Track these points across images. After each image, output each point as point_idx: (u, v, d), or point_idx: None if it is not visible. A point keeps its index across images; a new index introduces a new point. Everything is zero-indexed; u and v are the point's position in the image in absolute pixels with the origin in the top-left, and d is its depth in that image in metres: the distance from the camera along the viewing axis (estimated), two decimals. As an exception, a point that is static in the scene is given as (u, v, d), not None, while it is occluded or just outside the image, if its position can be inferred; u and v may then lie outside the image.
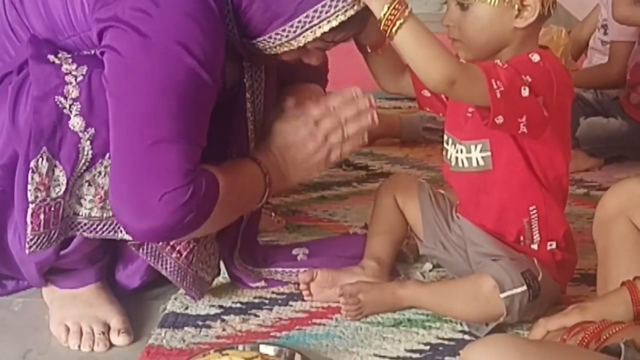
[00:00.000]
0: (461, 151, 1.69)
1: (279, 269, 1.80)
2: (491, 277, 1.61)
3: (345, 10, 1.50)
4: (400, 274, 1.86)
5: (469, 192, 1.74)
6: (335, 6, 1.49)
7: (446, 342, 1.64)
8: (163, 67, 1.43)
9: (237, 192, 1.58)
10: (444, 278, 1.85)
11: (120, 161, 1.47)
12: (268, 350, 1.56)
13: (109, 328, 1.65)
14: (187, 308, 1.74)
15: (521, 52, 1.60)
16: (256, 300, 1.77)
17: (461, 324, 1.68)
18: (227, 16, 1.52)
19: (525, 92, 1.53)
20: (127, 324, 1.67)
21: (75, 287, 1.70)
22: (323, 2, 1.49)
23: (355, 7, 1.50)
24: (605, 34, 2.74)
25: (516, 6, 1.58)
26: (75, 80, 1.51)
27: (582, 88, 2.59)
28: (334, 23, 1.50)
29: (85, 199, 1.55)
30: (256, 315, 1.72)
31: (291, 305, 1.75)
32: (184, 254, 1.63)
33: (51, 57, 1.53)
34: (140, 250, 1.60)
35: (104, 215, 1.56)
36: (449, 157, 1.74)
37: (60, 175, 1.52)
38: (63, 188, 1.52)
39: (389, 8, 1.45)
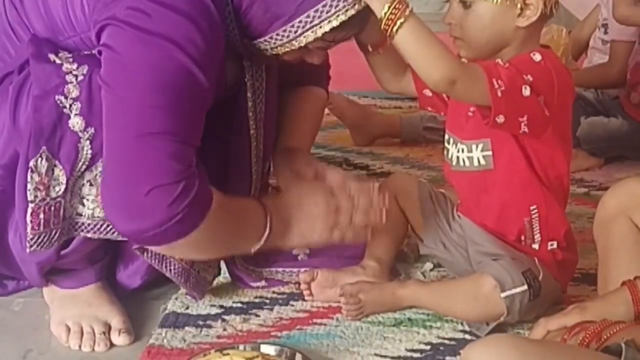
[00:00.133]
0: (462, 150, 1.69)
1: (280, 269, 1.80)
2: (492, 276, 1.61)
3: (346, 10, 1.50)
4: (401, 274, 1.86)
5: (470, 192, 1.74)
6: (336, 6, 1.49)
7: (447, 342, 1.64)
8: (157, 64, 1.43)
9: (232, 217, 1.56)
10: (445, 278, 1.85)
11: (109, 156, 1.47)
12: (269, 350, 1.56)
13: (109, 328, 1.65)
14: (187, 308, 1.74)
15: (523, 51, 1.60)
16: (257, 300, 1.77)
17: (462, 324, 1.68)
18: (227, 17, 1.52)
19: (526, 91, 1.53)
20: (128, 323, 1.67)
21: (75, 287, 1.70)
22: (324, 2, 1.49)
23: (356, 7, 1.50)
24: (605, 33, 2.74)
25: (518, 5, 1.58)
26: (76, 79, 1.51)
27: (583, 87, 2.59)
28: (335, 23, 1.50)
29: (87, 199, 1.55)
30: (257, 315, 1.72)
31: (292, 305, 1.76)
32: (187, 254, 1.63)
33: (52, 57, 1.53)
34: (145, 254, 1.60)
35: None
36: (450, 156, 1.74)
37: (60, 174, 1.52)
38: (63, 187, 1.52)
39: (389, 7, 1.45)
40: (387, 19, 1.46)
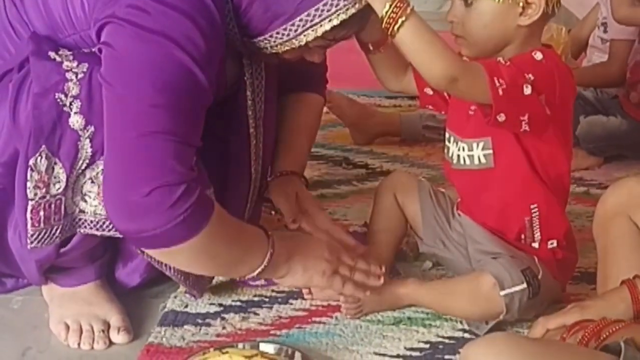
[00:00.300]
0: (463, 149, 1.69)
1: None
2: (491, 274, 1.61)
3: (347, 9, 1.49)
4: (400, 273, 1.86)
5: (470, 190, 1.74)
6: (337, 4, 1.49)
7: (446, 341, 1.65)
8: (157, 62, 1.42)
9: (232, 231, 1.55)
10: (444, 276, 1.85)
11: (110, 155, 1.46)
12: (268, 348, 1.56)
13: (108, 326, 1.65)
14: (187, 306, 1.74)
15: (524, 50, 1.60)
16: (256, 299, 1.77)
17: (461, 323, 1.69)
18: (227, 15, 1.52)
19: (527, 90, 1.53)
20: (127, 322, 1.67)
21: (75, 285, 1.70)
22: (324, 1, 1.48)
23: (357, 5, 1.49)
24: (605, 32, 2.74)
25: (520, 3, 1.58)
26: (76, 77, 1.51)
27: (582, 86, 2.59)
28: (336, 22, 1.50)
29: (89, 197, 1.55)
30: (256, 314, 1.72)
31: (291, 304, 1.75)
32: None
33: (52, 54, 1.53)
34: (145, 253, 1.59)
35: None
36: (450, 154, 1.74)
37: (60, 172, 1.52)
38: (63, 185, 1.52)
39: (390, 6, 1.45)
40: (389, 17, 1.45)
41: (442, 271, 1.87)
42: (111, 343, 1.64)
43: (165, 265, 1.60)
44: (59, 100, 1.50)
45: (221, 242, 1.52)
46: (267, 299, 1.77)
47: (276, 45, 1.55)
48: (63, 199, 1.53)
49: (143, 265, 1.72)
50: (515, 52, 1.60)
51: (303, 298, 1.76)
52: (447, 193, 1.87)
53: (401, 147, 2.64)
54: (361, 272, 1.66)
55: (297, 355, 1.55)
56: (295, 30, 1.52)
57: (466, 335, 1.65)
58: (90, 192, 1.55)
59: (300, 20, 1.50)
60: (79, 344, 1.63)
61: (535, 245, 1.70)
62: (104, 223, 1.57)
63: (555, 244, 1.70)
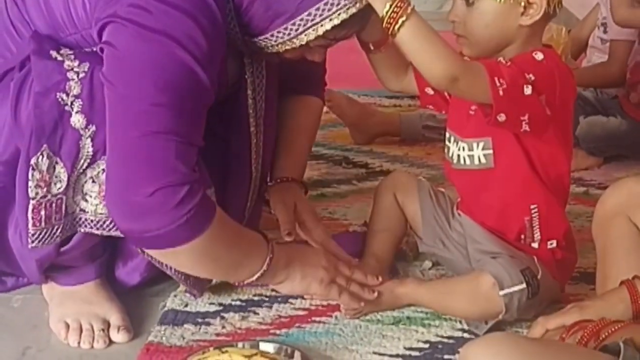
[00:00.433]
0: (463, 149, 1.69)
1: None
2: (490, 274, 1.61)
3: (348, 8, 1.49)
4: (400, 272, 1.86)
5: (470, 190, 1.75)
6: (338, 4, 1.49)
7: (445, 340, 1.65)
8: (158, 61, 1.43)
9: (233, 234, 1.56)
10: (444, 276, 1.85)
11: (113, 154, 1.46)
12: (268, 347, 1.56)
13: (108, 325, 1.65)
14: (186, 305, 1.74)
15: (525, 50, 1.60)
16: (256, 298, 1.77)
17: (460, 322, 1.69)
18: (228, 14, 1.52)
19: (527, 90, 1.54)
20: (127, 321, 1.67)
21: (75, 284, 1.70)
22: (325, 0, 1.49)
23: (358, 5, 1.49)
24: (604, 32, 2.74)
25: (522, 3, 1.58)
26: (77, 76, 1.51)
27: (582, 87, 2.59)
28: (336, 21, 1.50)
29: (90, 196, 1.55)
30: (256, 313, 1.72)
31: (291, 303, 1.75)
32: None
33: (53, 53, 1.53)
34: (145, 252, 1.60)
35: None
36: (450, 154, 1.74)
37: (61, 171, 1.52)
38: (64, 184, 1.52)
39: (391, 6, 1.45)
40: (389, 17, 1.46)
41: (442, 271, 1.87)
42: (111, 342, 1.64)
43: (165, 264, 1.60)
44: (60, 99, 1.50)
45: (222, 244, 1.53)
46: (266, 299, 1.77)
47: (277, 45, 1.55)
48: (64, 198, 1.53)
49: (143, 265, 1.72)
50: (517, 52, 1.61)
51: (303, 297, 1.76)
52: (447, 193, 1.87)
53: (401, 147, 2.64)
54: (357, 283, 1.68)
55: (297, 354, 1.55)
56: (296, 30, 1.52)
57: (465, 335, 1.65)
58: (91, 191, 1.55)
59: (301, 19, 1.50)
60: (79, 343, 1.63)
61: (535, 245, 1.70)
62: (104, 222, 1.57)
63: (554, 244, 1.70)
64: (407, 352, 1.61)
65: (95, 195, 1.55)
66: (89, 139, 1.52)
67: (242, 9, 1.52)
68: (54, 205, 1.52)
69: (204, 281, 1.71)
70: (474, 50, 1.63)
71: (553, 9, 1.60)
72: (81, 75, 1.51)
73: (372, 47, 1.70)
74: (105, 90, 1.47)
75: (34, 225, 1.52)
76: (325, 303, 1.74)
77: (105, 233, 1.59)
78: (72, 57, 1.53)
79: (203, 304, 1.74)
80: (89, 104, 1.51)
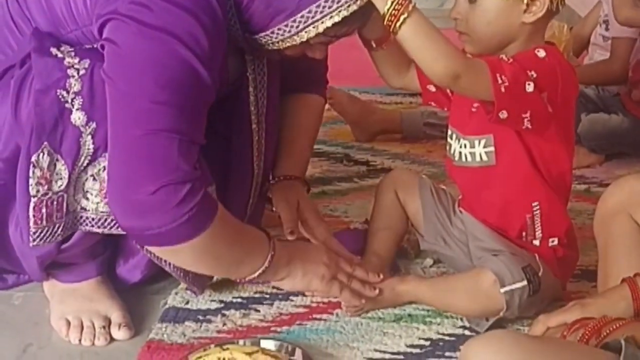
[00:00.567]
0: (465, 146, 1.69)
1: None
2: (491, 271, 1.61)
3: (348, 6, 1.49)
4: (401, 270, 1.86)
5: (471, 187, 1.74)
6: (338, 1, 1.49)
7: (447, 338, 1.65)
8: (159, 58, 1.42)
9: (235, 232, 1.56)
10: (445, 273, 1.85)
11: (115, 152, 1.46)
12: (269, 345, 1.56)
13: (109, 322, 1.65)
14: (187, 303, 1.74)
15: (528, 47, 1.60)
16: (257, 295, 1.77)
17: (462, 320, 1.69)
18: (229, 11, 1.52)
19: (529, 87, 1.53)
20: (128, 318, 1.67)
21: (76, 282, 1.70)
22: (326, -2, 1.49)
23: (358, 2, 1.49)
24: (606, 29, 2.74)
25: (525, 1, 1.58)
26: (78, 73, 1.51)
27: (584, 84, 2.59)
28: (337, 18, 1.50)
29: (91, 194, 1.55)
30: (257, 310, 1.72)
31: (292, 300, 1.75)
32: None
33: (54, 50, 1.53)
34: (145, 249, 1.60)
35: None
36: (452, 151, 1.74)
37: (62, 169, 1.52)
38: (65, 182, 1.52)
39: (392, 3, 1.45)
40: (390, 14, 1.45)
41: (443, 268, 1.87)
42: (112, 339, 1.64)
43: (165, 261, 1.60)
44: (60, 96, 1.50)
45: (224, 242, 1.53)
46: (267, 296, 1.77)
47: (278, 42, 1.55)
48: (65, 196, 1.53)
49: (144, 262, 1.72)
50: (519, 49, 1.60)
51: (304, 295, 1.76)
52: (449, 190, 1.87)
53: (402, 144, 2.64)
54: (358, 280, 1.68)
55: (298, 351, 1.55)
56: (297, 27, 1.52)
57: (466, 332, 1.65)
58: (92, 189, 1.55)
59: (302, 16, 1.50)
60: (80, 340, 1.63)
61: (536, 242, 1.70)
62: (105, 220, 1.57)
63: (556, 242, 1.70)
64: (408, 350, 1.61)
65: (96, 193, 1.55)
66: (89, 136, 1.52)
67: (242, 6, 1.52)
68: (55, 203, 1.52)
69: (204, 279, 1.71)
70: (476, 48, 1.63)
71: (556, 5, 1.60)
72: (81, 72, 1.51)
73: (374, 45, 1.70)
74: (106, 87, 1.46)
75: (35, 223, 1.52)
76: (326, 300, 1.74)
77: (105, 231, 1.58)
78: (73, 54, 1.53)
79: (204, 301, 1.74)
80: (89, 101, 1.51)
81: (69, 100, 1.51)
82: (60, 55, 1.53)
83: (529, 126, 1.57)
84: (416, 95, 1.83)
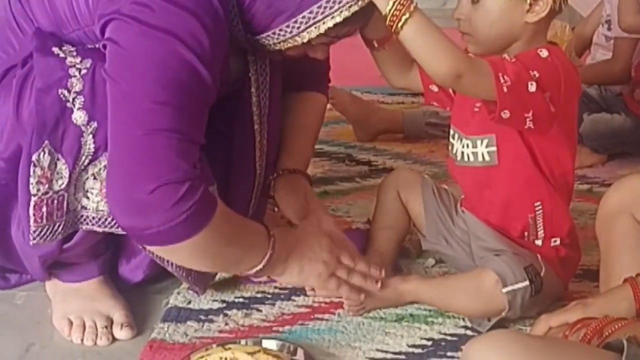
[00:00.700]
0: (467, 146, 1.69)
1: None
2: (493, 271, 1.61)
3: (350, 6, 1.49)
4: (403, 269, 1.86)
5: (474, 187, 1.74)
6: (340, 2, 1.49)
7: (448, 338, 1.65)
8: (161, 59, 1.42)
9: (234, 229, 1.55)
10: (447, 273, 1.85)
11: (115, 151, 1.46)
12: (270, 344, 1.56)
13: (111, 322, 1.66)
14: (189, 302, 1.74)
15: (530, 47, 1.60)
16: (259, 295, 1.77)
17: (463, 320, 1.69)
18: (231, 12, 1.52)
19: (532, 87, 1.53)
20: (130, 318, 1.67)
21: (78, 281, 1.70)
22: (327, -2, 1.49)
23: (360, 3, 1.49)
24: (609, 29, 2.73)
25: (528, 0, 1.58)
26: (79, 73, 1.51)
27: (586, 84, 2.59)
28: (338, 19, 1.50)
29: (92, 193, 1.55)
30: (259, 310, 1.72)
31: (294, 300, 1.76)
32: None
33: (56, 50, 1.53)
34: (146, 249, 1.59)
35: None
36: (454, 151, 1.74)
37: (63, 168, 1.52)
38: (66, 181, 1.52)
39: (394, 3, 1.45)
40: (392, 15, 1.45)
41: (445, 268, 1.87)
42: (114, 339, 1.64)
43: (167, 261, 1.60)
44: (62, 96, 1.50)
45: (223, 240, 1.52)
46: (269, 296, 1.77)
47: (279, 42, 1.55)
48: (65, 195, 1.53)
49: (146, 262, 1.72)
50: (522, 49, 1.60)
51: (306, 295, 1.76)
52: (451, 190, 1.87)
53: (404, 144, 2.64)
54: (360, 274, 1.67)
55: (300, 351, 1.55)
56: (298, 28, 1.51)
57: (468, 332, 1.65)
58: (92, 188, 1.55)
59: (303, 17, 1.50)
60: (82, 340, 1.63)
61: (539, 242, 1.70)
62: (106, 220, 1.57)
63: (558, 242, 1.70)
64: (410, 350, 1.61)
65: (97, 192, 1.55)
66: (90, 136, 1.52)
67: (244, 6, 1.52)
68: (55, 202, 1.52)
69: (206, 278, 1.71)
70: (479, 48, 1.63)
71: (559, 5, 1.60)
72: (83, 71, 1.51)
73: (376, 45, 1.70)
74: (107, 87, 1.47)
75: (35, 222, 1.52)
76: (328, 300, 1.74)
77: (106, 230, 1.59)
78: (74, 53, 1.53)
79: (206, 301, 1.74)
80: (90, 100, 1.51)
81: (71, 100, 1.51)
82: (62, 54, 1.53)
83: (532, 126, 1.57)
84: (418, 95, 1.83)
